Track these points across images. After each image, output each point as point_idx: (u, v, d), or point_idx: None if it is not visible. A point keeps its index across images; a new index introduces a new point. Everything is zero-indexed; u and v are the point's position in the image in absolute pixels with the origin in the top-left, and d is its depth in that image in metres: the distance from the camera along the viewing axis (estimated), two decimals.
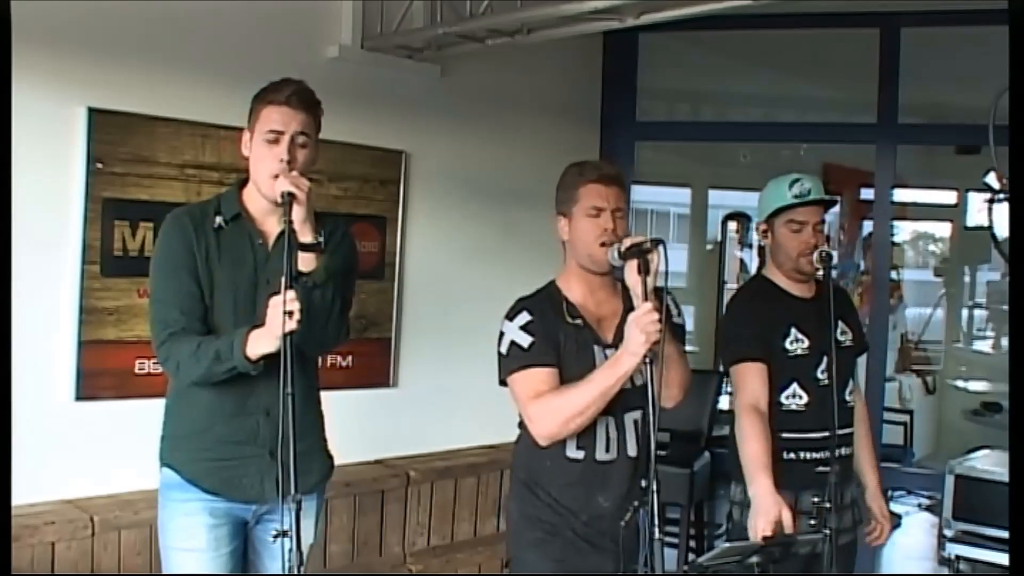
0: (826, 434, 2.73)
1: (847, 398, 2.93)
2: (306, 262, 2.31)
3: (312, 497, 2.50)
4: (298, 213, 2.26)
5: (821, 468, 2.78)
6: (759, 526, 2.62)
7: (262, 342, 2.25)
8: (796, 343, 2.91)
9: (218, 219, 2.41)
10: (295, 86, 2.39)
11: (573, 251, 2.51)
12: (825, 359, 2.85)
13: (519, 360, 2.43)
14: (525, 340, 2.43)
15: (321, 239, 2.32)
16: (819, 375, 2.88)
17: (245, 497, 2.44)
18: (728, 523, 3.10)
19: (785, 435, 2.86)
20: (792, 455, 2.87)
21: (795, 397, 2.91)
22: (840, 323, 2.94)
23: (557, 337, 2.44)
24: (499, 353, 2.49)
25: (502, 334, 2.48)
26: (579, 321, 2.48)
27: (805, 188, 2.88)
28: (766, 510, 2.66)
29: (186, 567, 2.41)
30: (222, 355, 2.28)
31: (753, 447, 2.79)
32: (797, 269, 2.91)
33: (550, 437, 2.41)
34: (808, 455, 2.88)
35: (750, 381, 2.88)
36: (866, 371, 4.57)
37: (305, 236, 2.29)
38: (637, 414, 2.48)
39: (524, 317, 2.45)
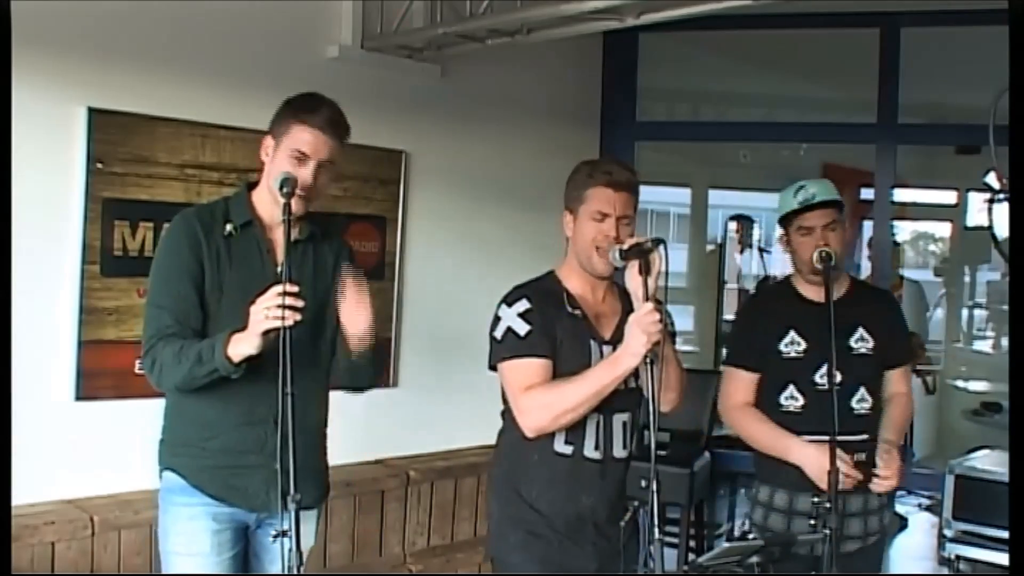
0: (825, 438, 2.64)
1: (854, 405, 2.84)
2: None
3: (312, 510, 2.50)
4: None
5: None
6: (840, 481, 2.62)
7: (243, 343, 2.19)
8: (791, 346, 2.90)
9: (228, 226, 2.38)
10: (331, 111, 2.37)
11: (574, 250, 2.49)
12: (827, 364, 2.75)
13: (514, 348, 2.39)
14: (522, 328, 2.38)
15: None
16: (817, 379, 2.83)
17: (250, 505, 2.42)
18: (748, 523, 3.05)
19: None
20: None
21: (792, 399, 2.89)
22: (860, 329, 2.89)
23: (554, 328, 2.40)
24: (492, 337, 2.44)
25: (498, 319, 2.43)
26: (578, 312, 2.44)
27: (809, 193, 2.85)
28: (822, 468, 2.64)
29: (188, 572, 2.39)
30: (204, 357, 2.23)
31: (764, 430, 2.88)
32: (812, 272, 2.85)
33: (539, 430, 2.38)
34: None
35: (730, 384, 2.96)
36: None
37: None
38: (626, 416, 2.45)
39: (523, 304, 2.41)
